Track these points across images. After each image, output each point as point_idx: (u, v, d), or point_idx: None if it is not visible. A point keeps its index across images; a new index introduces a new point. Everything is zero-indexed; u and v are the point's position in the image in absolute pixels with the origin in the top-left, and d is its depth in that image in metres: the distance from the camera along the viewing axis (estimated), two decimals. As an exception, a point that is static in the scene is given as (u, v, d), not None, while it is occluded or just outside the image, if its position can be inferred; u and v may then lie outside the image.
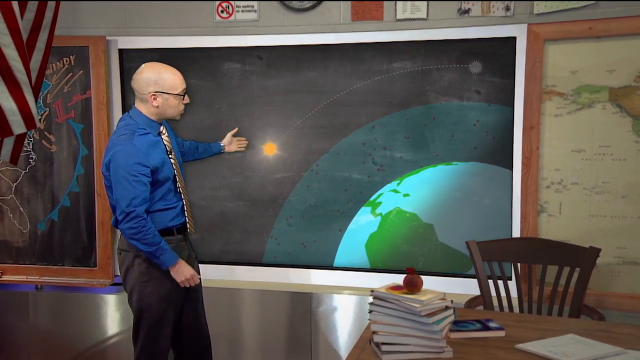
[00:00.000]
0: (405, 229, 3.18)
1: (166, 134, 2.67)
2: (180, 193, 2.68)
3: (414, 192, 3.16)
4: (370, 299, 1.95)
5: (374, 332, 1.92)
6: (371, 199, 3.22)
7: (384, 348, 1.88)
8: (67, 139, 3.41)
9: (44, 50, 2.87)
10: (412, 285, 1.90)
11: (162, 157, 2.60)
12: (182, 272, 2.59)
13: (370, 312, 1.94)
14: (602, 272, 2.85)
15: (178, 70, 2.64)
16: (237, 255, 3.38)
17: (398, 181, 3.17)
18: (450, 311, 1.91)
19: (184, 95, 2.62)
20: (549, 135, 2.92)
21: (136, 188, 2.47)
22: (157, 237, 2.52)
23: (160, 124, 2.65)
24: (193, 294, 2.75)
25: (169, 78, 2.58)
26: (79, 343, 3.60)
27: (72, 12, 3.39)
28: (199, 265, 2.86)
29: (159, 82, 2.56)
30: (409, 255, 3.19)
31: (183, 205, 2.68)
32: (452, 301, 1.91)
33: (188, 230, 2.72)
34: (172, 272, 2.57)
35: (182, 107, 2.65)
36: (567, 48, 2.88)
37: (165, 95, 2.57)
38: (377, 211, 3.22)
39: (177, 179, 2.66)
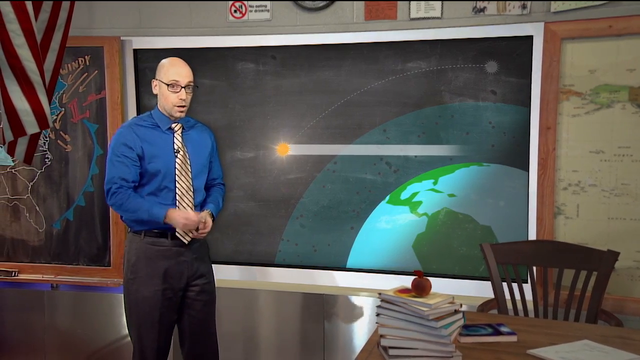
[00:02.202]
0: (460, 230, 3.08)
1: (180, 132, 2.65)
2: (177, 197, 2.61)
3: (459, 193, 3.07)
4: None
5: (381, 336, 1.89)
6: (403, 197, 3.14)
7: (392, 352, 1.85)
8: (82, 139, 3.43)
9: (58, 51, 2.90)
10: (420, 288, 1.86)
11: (159, 149, 2.60)
12: (175, 221, 2.52)
13: (377, 315, 1.90)
14: (621, 277, 2.77)
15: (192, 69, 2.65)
16: (250, 256, 3.37)
17: (433, 180, 3.09)
18: (460, 315, 1.87)
19: (176, 88, 2.57)
20: (566, 136, 2.85)
21: (118, 168, 2.55)
22: (137, 202, 2.54)
23: (175, 122, 2.65)
24: (198, 302, 2.70)
25: (165, 66, 2.62)
26: (94, 342, 3.62)
27: (87, 12, 3.41)
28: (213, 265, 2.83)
29: (158, 69, 2.64)
30: (469, 258, 3.06)
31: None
32: (461, 305, 1.87)
33: (180, 237, 2.61)
34: (171, 224, 2.54)
35: (176, 101, 2.57)
36: (585, 47, 2.81)
37: (159, 83, 2.61)
38: (420, 211, 3.13)
39: (178, 182, 2.61)
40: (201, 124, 2.84)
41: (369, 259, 3.22)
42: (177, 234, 2.60)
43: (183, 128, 2.68)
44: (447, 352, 1.82)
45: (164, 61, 2.64)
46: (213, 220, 2.69)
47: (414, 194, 3.14)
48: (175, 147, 2.63)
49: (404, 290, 1.90)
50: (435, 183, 3.10)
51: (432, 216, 3.12)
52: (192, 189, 2.65)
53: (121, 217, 2.69)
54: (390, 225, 3.19)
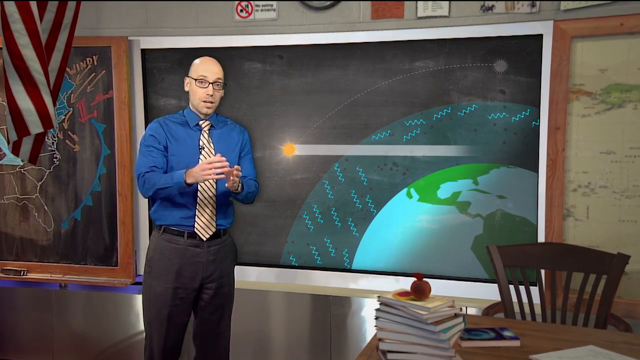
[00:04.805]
0: (520, 233, 2.98)
1: (207, 129, 2.66)
2: (198, 199, 2.59)
3: (509, 194, 2.97)
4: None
5: (379, 340, 1.85)
6: (443, 197, 3.05)
7: (390, 356, 1.81)
8: (90, 139, 3.44)
9: (64, 51, 2.90)
10: (420, 292, 1.82)
11: (184, 145, 2.61)
12: (195, 176, 2.45)
13: (376, 318, 1.87)
14: (632, 280, 2.72)
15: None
16: (255, 257, 3.35)
17: (472, 180, 3.02)
18: (460, 319, 1.83)
19: (204, 83, 2.59)
20: (576, 137, 2.80)
21: (147, 157, 2.60)
22: (163, 174, 2.55)
23: (204, 120, 2.67)
24: (211, 305, 2.68)
25: (195, 64, 2.68)
26: (102, 341, 3.62)
27: (95, 12, 3.42)
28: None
29: (190, 68, 2.69)
30: None
31: (196, 212, 2.60)
32: (461, 309, 1.83)
33: (198, 232, 2.60)
34: (195, 182, 2.49)
35: (203, 96, 2.60)
36: (596, 45, 2.75)
37: (190, 80, 2.66)
38: (472, 212, 3.04)
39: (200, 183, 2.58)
40: (236, 123, 2.83)
41: (375, 260, 3.19)
42: (195, 230, 2.60)
43: (212, 126, 2.70)
44: (446, 357, 1.78)
45: (195, 60, 2.69)
46: (240, 192, 2.59)
47: (456, 194, 3.06)
48: (201, 143, 2.64)
49: (403, 293, 1.87)
50: (475, 183, 3.03)
51: (487, 217, 3.03)
52: (215, 187, 2.63)
53: (149, 208, 2.73)
54: (436, 226, 3.10)
